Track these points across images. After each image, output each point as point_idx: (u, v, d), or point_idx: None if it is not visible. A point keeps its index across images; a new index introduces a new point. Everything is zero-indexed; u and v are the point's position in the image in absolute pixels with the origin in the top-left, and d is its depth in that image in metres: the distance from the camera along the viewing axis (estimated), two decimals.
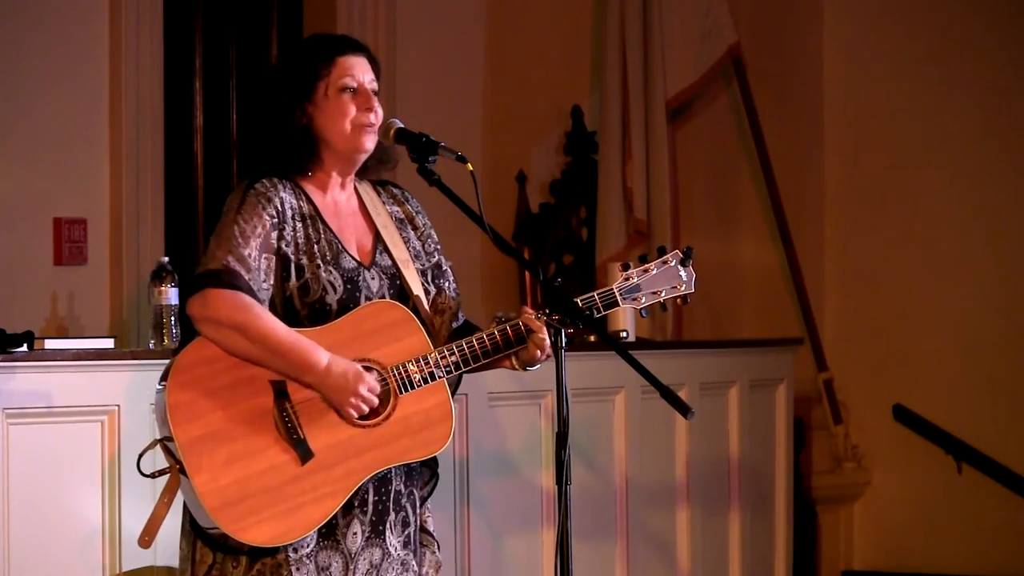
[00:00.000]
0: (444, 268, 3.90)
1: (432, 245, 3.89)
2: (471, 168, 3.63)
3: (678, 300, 3.85)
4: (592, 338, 5.59)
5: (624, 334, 5.94)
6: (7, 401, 4.21)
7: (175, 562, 3.85)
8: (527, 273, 7.32)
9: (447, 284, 3.89)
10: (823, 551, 8.02)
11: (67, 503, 4.33)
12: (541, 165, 7.62)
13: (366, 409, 3.61)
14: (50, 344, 4.49)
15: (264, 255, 3.64)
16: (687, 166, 7.86)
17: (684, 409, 3.57)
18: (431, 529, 3.89)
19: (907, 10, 8.19)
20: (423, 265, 3.86)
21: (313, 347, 3.58)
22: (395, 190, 3.92)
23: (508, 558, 5.47)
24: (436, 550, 3.88)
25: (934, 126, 8.10)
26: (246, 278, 3.58)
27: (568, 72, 7.69)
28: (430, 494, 3.88)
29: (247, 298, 3.56)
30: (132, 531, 4.02)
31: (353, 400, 3.59)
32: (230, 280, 3.56)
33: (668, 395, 3.57)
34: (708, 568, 6.24)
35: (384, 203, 3.87)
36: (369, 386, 3.60)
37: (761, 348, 6.78)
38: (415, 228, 3.89)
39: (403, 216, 3.88)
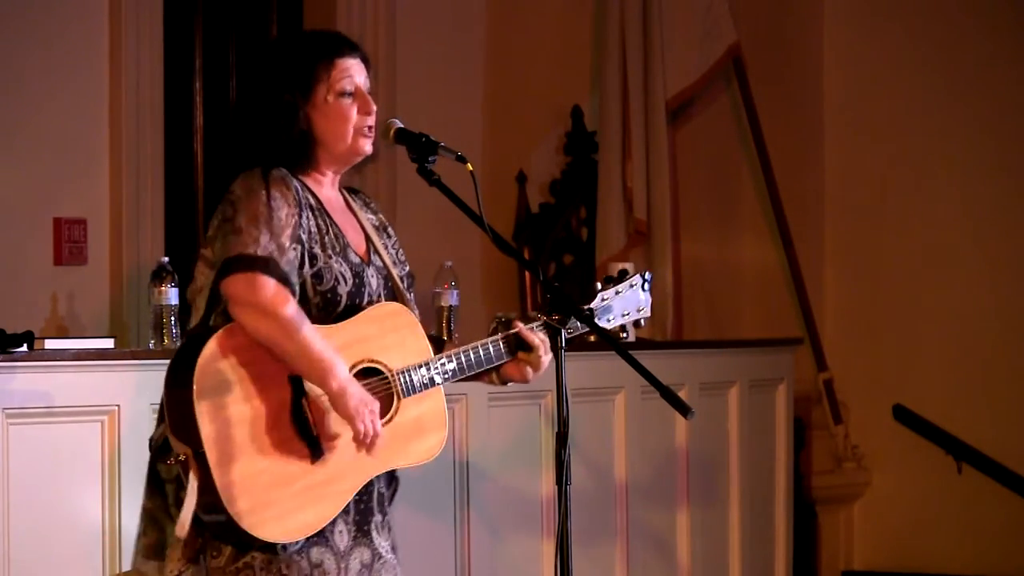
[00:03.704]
0: (413, 278, 3.90)
1: (402, 255, 3.90)
2: (471, 168, 3.63)
3: (637, 323, 4.03)
4: (592, 338, 5.58)
5: (624, 334, 5.93)
6: (7, 401, 4.21)
7: None
8: (527, 273, 7.32)
9: (412, 294, 3.89)
10: (823, 551, 8.02)
11: (67, 503, 4.33)
12: (541, 165, 7.61)
13: (371, 433, 3.58)
14: (50, 344, 4.48)
15: (293, 245, 3.62)
16: (687, 166, 7.85)
17: (684, 409, 3.57)
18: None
19: (907, 10, 8.19)
20: (400, 272, 3.86)
21: (335, 366, 3.52)
22: (366, 198, 3.92)
23: (508, 558, 5.47)
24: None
25: (934, 126, 8.10)
26: (286, 272, 3.56)
27: (568, 72, 7.69)
28: (391, 500, 3.86)
29: (291, 299, 3.52)
30: (132, 531, 4.01)
31: (360, 426, 3.56)
32: (279, 272, 3.52)
33: (668, 395, 3.57)
34: (708, 568, 6.24)
35: (360, 209, 3.87)
36: (374, 418, 3.57)
37: (761, 348, 6.78)
38: (389, 236, 3.89)
39: (378, 224, 3.88)
